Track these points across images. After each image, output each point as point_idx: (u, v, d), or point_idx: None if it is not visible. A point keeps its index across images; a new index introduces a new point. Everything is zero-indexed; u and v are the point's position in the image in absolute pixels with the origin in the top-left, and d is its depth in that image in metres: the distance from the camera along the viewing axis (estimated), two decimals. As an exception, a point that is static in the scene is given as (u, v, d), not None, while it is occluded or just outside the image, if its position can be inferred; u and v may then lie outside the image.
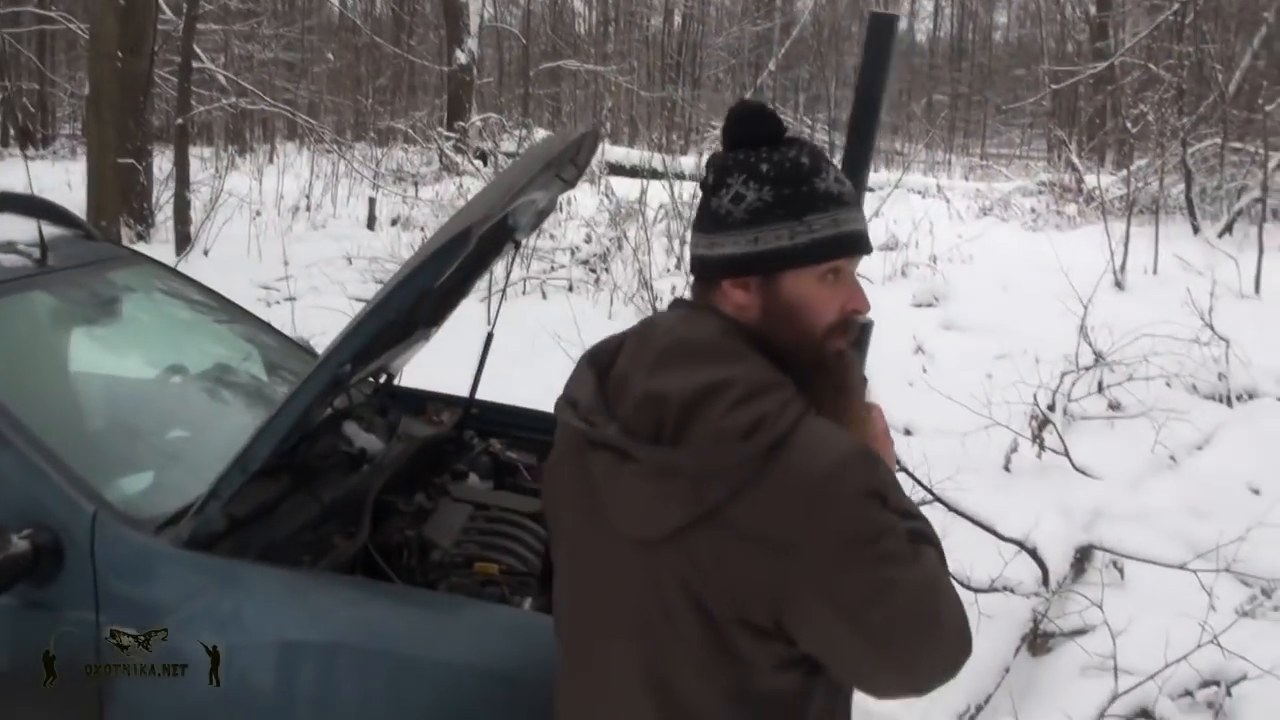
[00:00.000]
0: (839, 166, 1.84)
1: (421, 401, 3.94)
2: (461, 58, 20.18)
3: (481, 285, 9.06)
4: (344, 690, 2.36)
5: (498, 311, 3.86)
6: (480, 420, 3.89)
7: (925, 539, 1.69)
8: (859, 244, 1.72)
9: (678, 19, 35.47)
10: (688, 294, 1.84)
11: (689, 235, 1.93)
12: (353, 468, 3.19)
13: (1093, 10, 27.34)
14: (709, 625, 1.61)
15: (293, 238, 12.11)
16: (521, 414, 4.02)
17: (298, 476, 2.92)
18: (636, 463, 1.62)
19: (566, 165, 3.21)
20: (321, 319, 7.42)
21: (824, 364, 1.71)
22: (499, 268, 5.94)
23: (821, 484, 1.54)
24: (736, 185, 1.70)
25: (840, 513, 1.54)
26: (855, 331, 1.77)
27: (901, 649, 1.59)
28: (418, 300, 2.68)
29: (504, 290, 4.23)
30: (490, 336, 3.75)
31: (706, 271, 1.75)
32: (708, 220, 1.74)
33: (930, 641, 1.61)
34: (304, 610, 2.46)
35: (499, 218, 2.68)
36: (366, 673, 2.33)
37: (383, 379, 3.79)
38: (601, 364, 1.79)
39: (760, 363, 1.65)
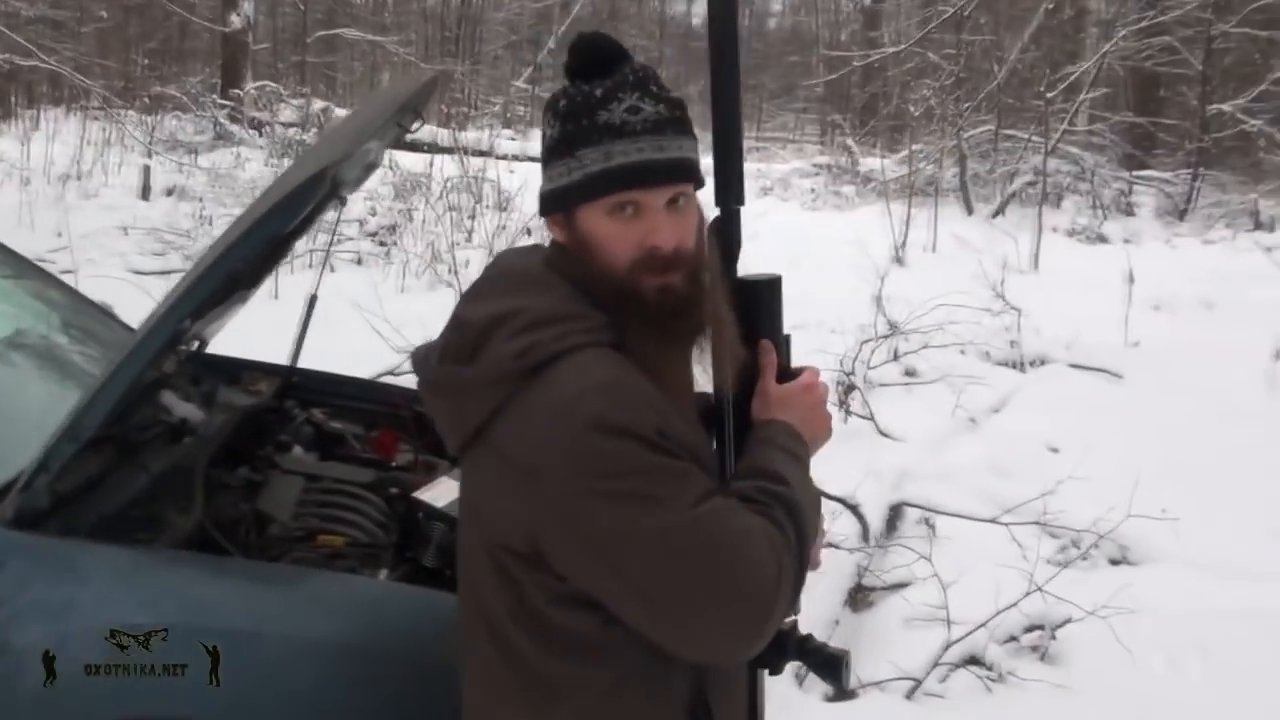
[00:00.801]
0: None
1: (236, 370, 3.70)
2: (236, 21, 19.33)
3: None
4: (201, 674, 2.15)
5: (320, 275, 3.66)
6: (301, 389, 3.67)
7: (775, 501, 1.60)
8: (634, 176, 1.62)
9: (456, -8, 34.99)
10: None
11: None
12: (174, 439, 2.95)
13: (867, 1, 28.20)
14: (483, 541, 1.64)
15: (64, 207, 11.41)
16: (344, 382, 3.83)
17: (120, 448, 2.67)
18: (424, 380, 1.70)
19: (408, 112, 3.03)
20: (103, 291, 6.97)
21: (630, 299, 1.63)
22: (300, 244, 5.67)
23: (556, 410, 1.52)
24: (545, 123, 1.70)
25: (569, 442, 1.51)
26: (680, 267, 1.64)
27: (669, 602, 1.51)
28: (268, 249, 2.48)
29: (328, 251, 4.01)
30: (314, 299, 3.55)
31: (539, 209, 1.75)
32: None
33: (702, 598, 1.51)
34: (153, 591, 2.23)
35: (355, 159, 2.50)
36: (230, 655, 2.13)
37: (194, 345, 3.53)
38: None
39: (565, 295, 1.64)
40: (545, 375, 1.54)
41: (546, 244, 1.77)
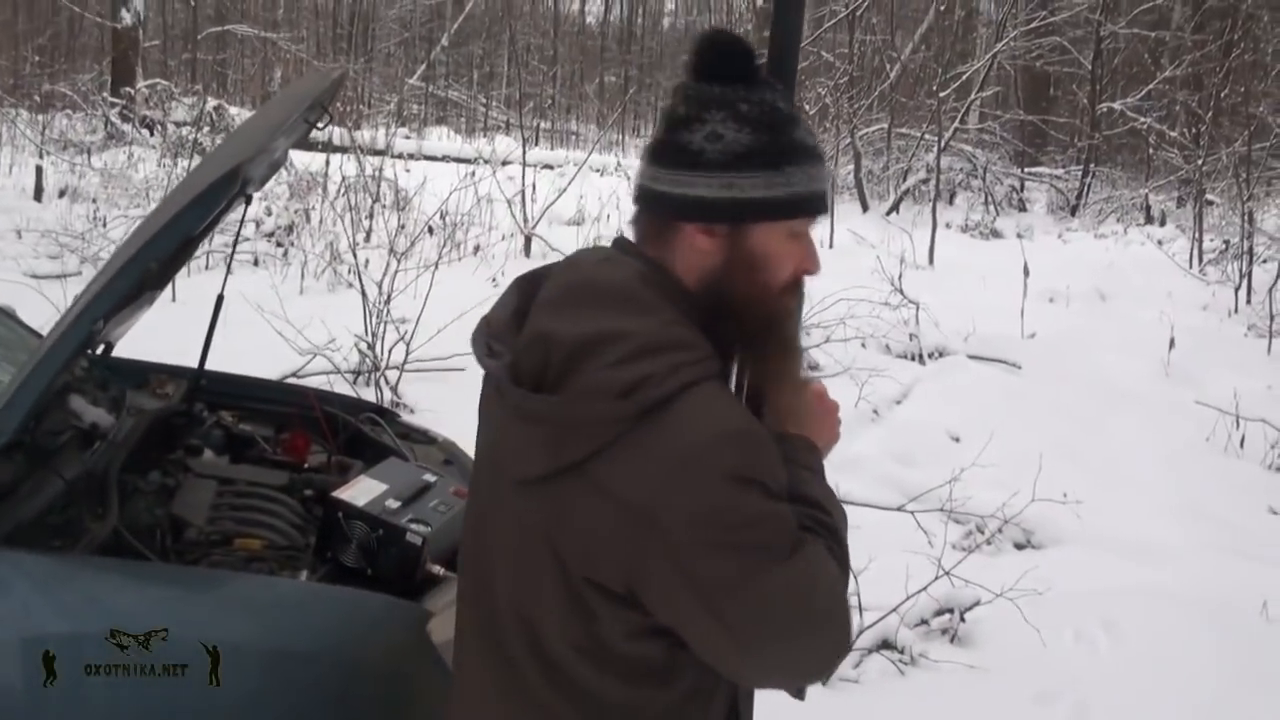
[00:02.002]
0: None
1: (142, 373, 3.63)
2: (127, 17, 18.92)
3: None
4: (123, 684, 2.10)
5: (226, 275, 3.60)
6: (209, 392, 3.61)
7: (823, 530, 1.59)
8: (823, 203, 1.62)
9: (349, -12, 34.64)
10: (627, 230, 1.70)
11: (640, 166, 1.69)
12: (85, 445, 2.88)
13: (759, 1, 28.37)
14: (563, 577, 1.53)
15: (-45, 211, 11.08)
16: (252, 384, 3.78)
17: (32, 455, 2.59)
18: (509, 402, 1.54)
19: (316, 109, 3.00)
20: (0, 296, 6.79)
21: (775, 321, 1.61)
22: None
23: (687, 459, 1.44)
24: (714, 123, 1.57)
25: (701, 493, 1.44)
26: (800, 294, 1.67)
27: (765, 644, 1.50)
28: (180, 248, 2.43)
29: (232, 250, 3.95)
30: (220, 300, 3.49)
31: (665, 209, 1.61)
32: (675, 155, 1.59)
33: (798, 640, 1.51)
34: (73, 599, 2.18)
35: (264, 159, 2.46)
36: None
37: (100, 349, 3.45)
38: (527, 290, 1.67)
39: (672, 318, 1.53)
40: (664, 416, 1.45)
41: (621, 249, 1.66)
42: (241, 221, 3.55)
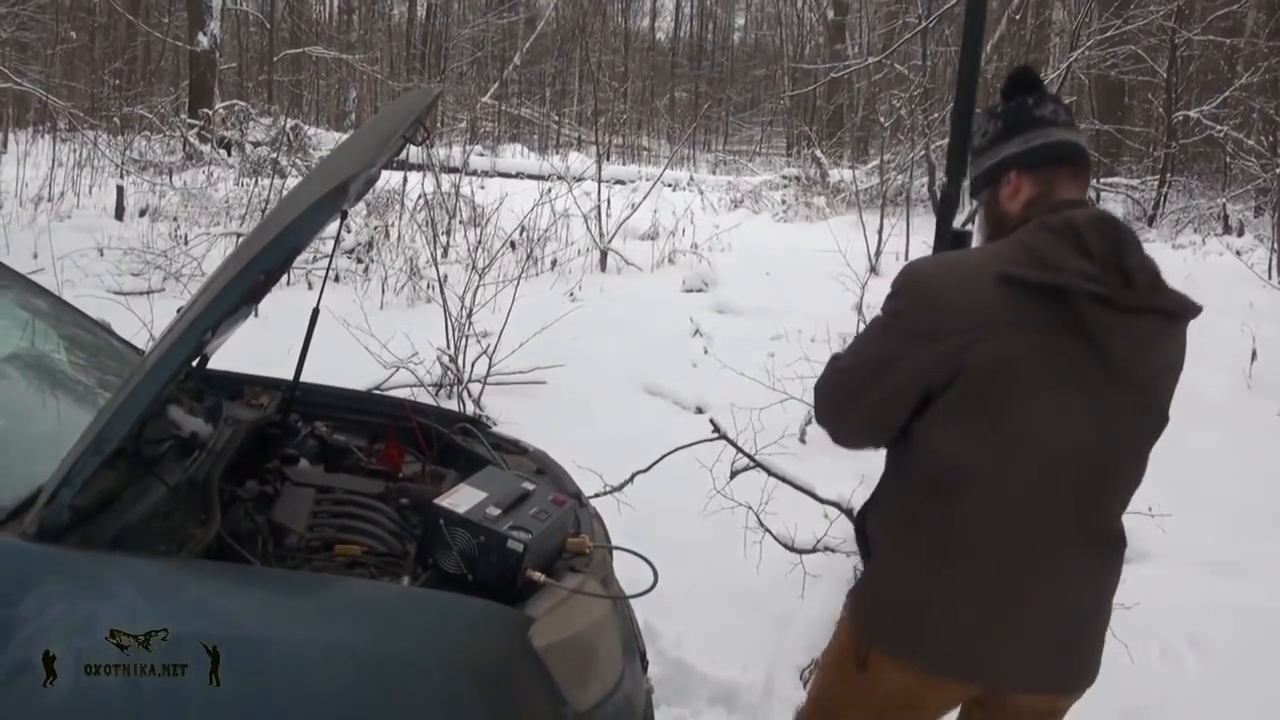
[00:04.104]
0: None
1: (236, 384, 3.71)
2: (204, 41, 19.30)
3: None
4: (240, 684, 2.16)
5: (323, 287, 3.67)
6: (302, 403, 3.68)
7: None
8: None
9: (421, 10, 35.00)
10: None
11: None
12: (186, 453, 2.96)
13: (830, 14, 28.34)
14: (1156, 430, 2.34)
15: (37, 229, 11.33)
16: (344, 396, 3.85)
17: (135, 462, 2.67)
18: (1169, 316, 2.18)
19: (416, 125, 3.06)
20: (89, 312, 6.94)
21: None
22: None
23: None
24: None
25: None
26: None
27: None
28: (287, 260, 2.50)
29: (330, 263, 4.03)
30: (316, 313, 3.56)
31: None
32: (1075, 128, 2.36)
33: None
34: (185, 601, 2.24)
35: (370, 176, 2.52)
36: (265, 664, 2.14)
37: (195, 361, 3.54)
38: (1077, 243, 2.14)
39: None
40: None
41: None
42: (338, 237, 3.62)
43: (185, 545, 2.49)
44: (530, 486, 2.79)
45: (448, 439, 3.55)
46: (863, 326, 7.77)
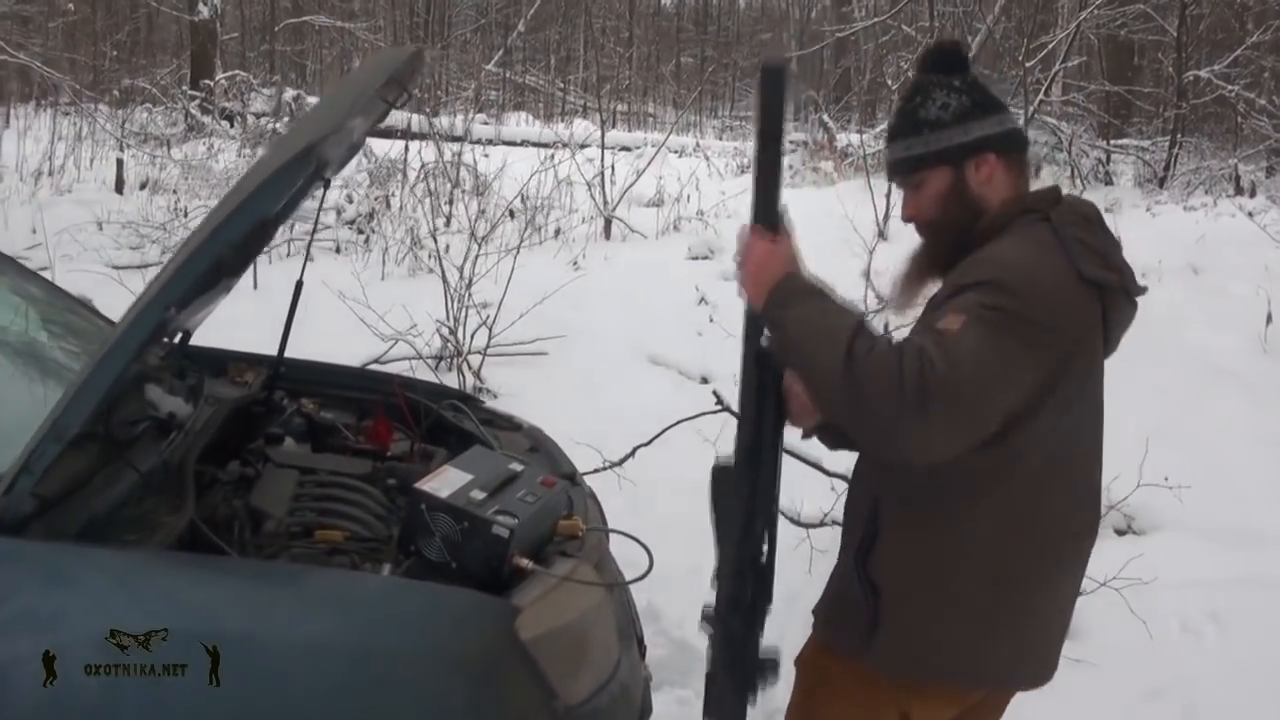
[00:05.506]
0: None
1: (221, 361, 3.58)
2: (204, 11, 19.09)
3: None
4: (201, 684, 2.03)
5: (305, 261, 3.54)
6: (289, 379, 3.55)
7: None
8: None
9: (424, -23, 34.71)
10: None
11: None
12: (162, 435, 2.82)
13: (836, -22, 28.02)
14: None
15: (37, 204, 11.22)
16: (333, 371, 3.72)
17: (107, 446, 2.53)
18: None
19: (393, 86, 2.91)
20: (81, 286, 6.83)
21: None
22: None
23: None
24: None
25: None
26: None
27: None
28: (255, 233, 2.36)
29: (311, 235, 3.89)
30: (299, 286, 3.43)
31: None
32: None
33: None
34: (148, 595, 2.12)
35: (341, 135, 2.37)
36: (231, 662, 2.01)
37: (178, 337, 3.40)
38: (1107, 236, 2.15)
39: None
40: None
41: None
42: (320, 206, 3.47)
43: (156, 534, 2.37)
44: (518, 467, 2.65)
45: (437, 415, 3.41)
46: (874, 297, 7.67)
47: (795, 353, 1.98)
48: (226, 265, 3.08)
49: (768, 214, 2.10)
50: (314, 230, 3.87)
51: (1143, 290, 2.17)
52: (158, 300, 2.13)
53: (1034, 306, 1.92)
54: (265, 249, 3.36)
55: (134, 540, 2.31)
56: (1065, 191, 2.24)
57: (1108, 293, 2.08)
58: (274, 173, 2.08)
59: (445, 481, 2.48)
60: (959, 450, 1.86)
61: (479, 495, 2.45)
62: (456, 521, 2.38)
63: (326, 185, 3.31)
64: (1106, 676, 3.79)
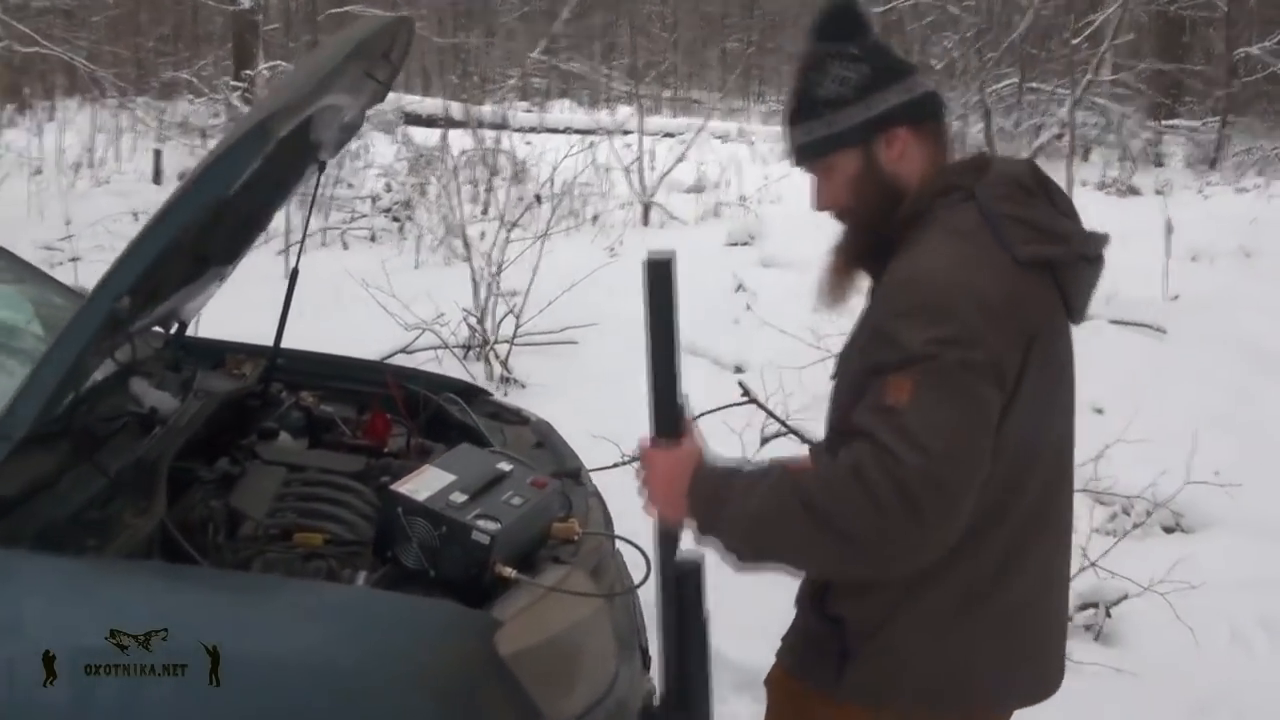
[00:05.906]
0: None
1: (220, 354, 3.44)
2: (245, 1, 19.06)
3: (278, 232, 8.54)
4: (147, 702, 1.89)
5: (300, 248, 3.40)
6: (288, 372, 3.40)
7: None
8: None
9: (469, -36, 34.61)
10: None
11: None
12: (143, 431, 2.68)
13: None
14: None
15: (75, 195, 11.32)
16: (333, 363, 3.57)
17: (78, 444, 2.38)
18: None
19: (379, 61, 2.75)
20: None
21: None
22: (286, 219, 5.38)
23: None
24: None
25: None
26: None
27: None
28: (213, 215, 2.20)
29: (304, 231, 3.73)
30: (295, 273, 3.28)
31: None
32: None
33: None
34: (92, 608, 1.97)
35: (301, 114, 2.21)
36: (183, 681, 1.86)
37: (173, 328, 3.27)
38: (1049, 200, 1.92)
39: None
40: None
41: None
42: (316, 187, 3.31)
43: (118, 538, 2.22)
44: (506, 467, 2.48)
45: (436, 407, 3.26)
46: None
47: (756, 547, 1.77)
48: (214, 255, 2.95)
49: (666, 422, 1.92)
50: (307, 219, 3.70)
51: (1104, 242, 1.94)
52: (104, 292, 1.99)
53: (973, 329, 1.69)
54: (257, 237, 3.20)
55: (93, 546, 2.17)
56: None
57: (1058, 267, 1.85)
58: (225, 151, 1.93)
59: (424, 483, 2.31)
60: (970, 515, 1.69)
61: (460, 498, 2.28)
62: (434, 526, 2.22)
63: (322, 168, 3.17)
64: (1149, 688, 3.57)
